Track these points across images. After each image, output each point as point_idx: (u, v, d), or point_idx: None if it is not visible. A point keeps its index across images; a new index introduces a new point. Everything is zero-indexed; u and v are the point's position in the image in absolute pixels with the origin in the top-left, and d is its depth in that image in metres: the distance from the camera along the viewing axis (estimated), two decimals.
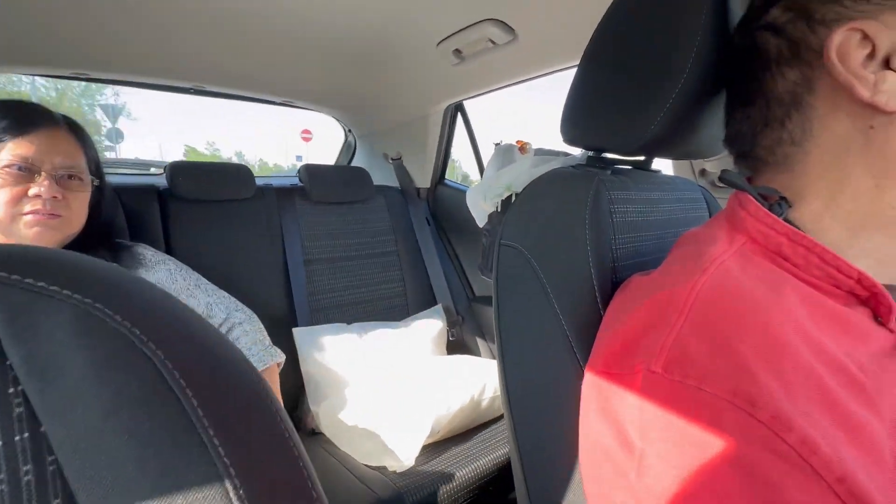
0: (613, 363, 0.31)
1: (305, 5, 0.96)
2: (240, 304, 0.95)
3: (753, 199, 0.34)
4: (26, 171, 0.66)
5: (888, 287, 0.31)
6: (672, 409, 0.25)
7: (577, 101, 0.49)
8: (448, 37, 1.06)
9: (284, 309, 1.24)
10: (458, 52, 1.11)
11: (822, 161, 0.33)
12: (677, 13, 0.39)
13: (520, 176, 0.60)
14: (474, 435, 1.05)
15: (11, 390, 0.18)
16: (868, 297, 0.30)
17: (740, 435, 0.23)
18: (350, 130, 1.85)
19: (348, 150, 1.94)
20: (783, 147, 0.35)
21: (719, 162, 0.94)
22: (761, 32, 0.35)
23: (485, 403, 1.06)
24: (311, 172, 1.37)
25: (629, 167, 0.54)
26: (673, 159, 0.63)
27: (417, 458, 0.91)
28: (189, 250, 1.12)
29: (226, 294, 0.95)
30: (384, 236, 1.46)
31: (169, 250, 1.10)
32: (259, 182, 1.32)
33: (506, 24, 0.97)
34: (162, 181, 1.21)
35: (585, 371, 0.34)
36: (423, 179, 1.67)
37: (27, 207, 0.65)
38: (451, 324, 1.41)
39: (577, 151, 0.60)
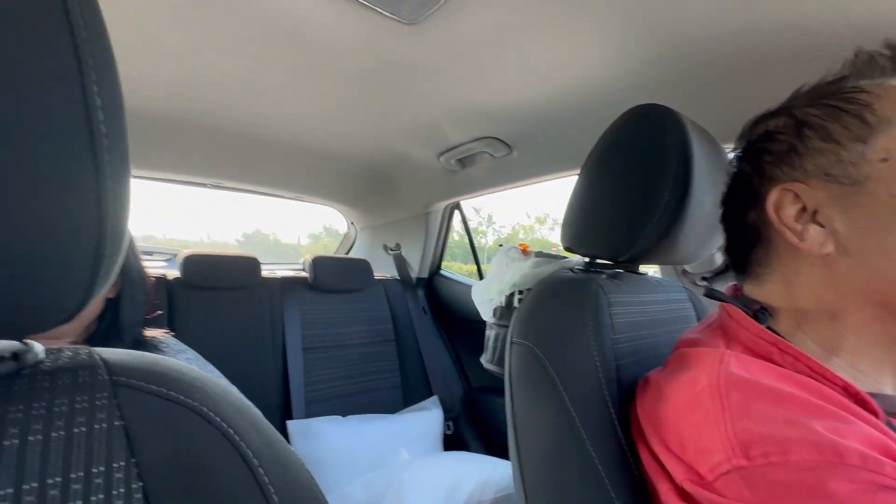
0: (699, 474, 0.31)
1: (322, 124, 1.10)
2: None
3: (740, 310, 0.39)
4: None
5: (870, 394, 0.34)
6: (773, 491, 0.27)
7: (577, 210, 0.56)
8: (450, 149, 1.21)
9: (279, 398, 1.22)
10: (459, 161, 1.26)
11: (784, 286, 0.39)
12: (660, 159, 0.49)
13: (524, 276, 0.67)
14: None
15: (135, 485, 0.20)
16: (856, 401, 0.33)
17: (849, 484, 0.26)
18: (353, 223, 1.97)
19: (348, 241, 2.03)
20: (754, 267, 0.41)
21: (700, 263, 1.03)
22: (734, 177, 0.43)
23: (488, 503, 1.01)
24: (317, 262, 1.43)
25: (621, 270, 0.61)
26: (658, 265, 0.71)
27: None
28: (191, 335, 1.13)
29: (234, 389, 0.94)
30: (383, 325, 1.49)
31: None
32: (265, 269, 1.37)
33: (502, 141, 1.11)
34: (167, 268, 1.26)
35: (681, 485, 0.33)
36: (420, 270, 1.74)
37: None
38: (448, 416, 1.39)
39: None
